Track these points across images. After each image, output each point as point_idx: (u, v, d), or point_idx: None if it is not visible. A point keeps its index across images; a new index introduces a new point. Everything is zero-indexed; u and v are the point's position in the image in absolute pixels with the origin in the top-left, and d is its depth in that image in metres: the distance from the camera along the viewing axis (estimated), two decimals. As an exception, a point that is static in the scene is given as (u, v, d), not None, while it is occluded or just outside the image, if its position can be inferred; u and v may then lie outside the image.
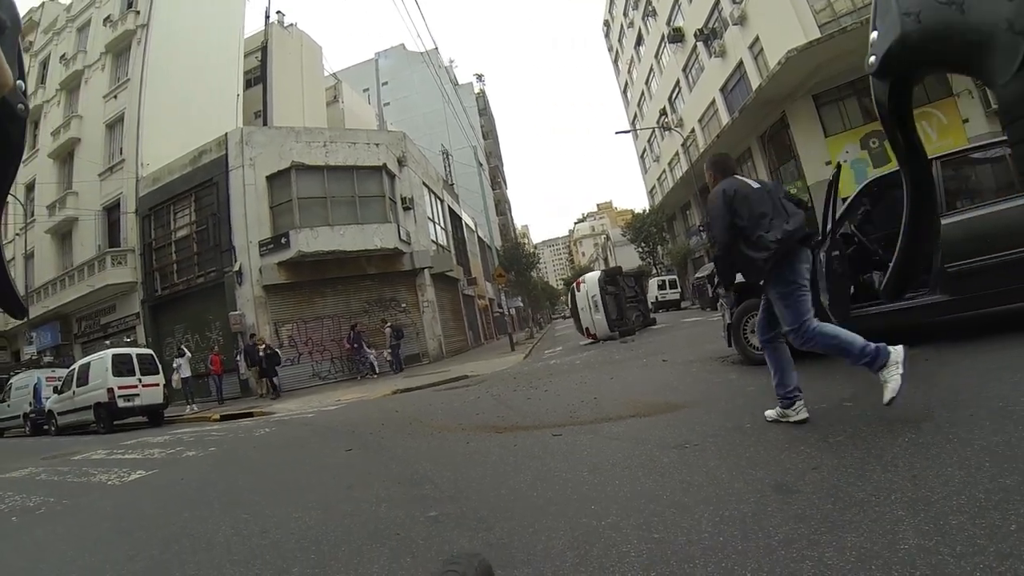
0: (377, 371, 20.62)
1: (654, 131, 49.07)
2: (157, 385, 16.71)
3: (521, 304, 39.11)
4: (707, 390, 6.39)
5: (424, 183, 27.07)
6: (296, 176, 21.29)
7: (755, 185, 4.23)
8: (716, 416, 4.94)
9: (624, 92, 58.87)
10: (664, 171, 49.40)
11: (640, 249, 50.66)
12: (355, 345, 20.44)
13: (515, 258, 46.12)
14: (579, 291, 19.10)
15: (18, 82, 0.48)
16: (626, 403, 6.45)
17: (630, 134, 57.96)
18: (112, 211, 26.81)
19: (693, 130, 38.56)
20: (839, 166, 6.67)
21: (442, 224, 29.71)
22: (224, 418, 14.46)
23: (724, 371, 7.49)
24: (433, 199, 28.95)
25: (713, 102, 35.08)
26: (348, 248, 20.92)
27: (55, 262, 29.20)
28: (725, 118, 32.48)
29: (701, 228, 37.21)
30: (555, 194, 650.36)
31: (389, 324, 20.98)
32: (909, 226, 0.49)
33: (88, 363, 16.93)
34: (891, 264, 0.58)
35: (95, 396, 16.00)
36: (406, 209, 23.66)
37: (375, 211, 22.26)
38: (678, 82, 40.53)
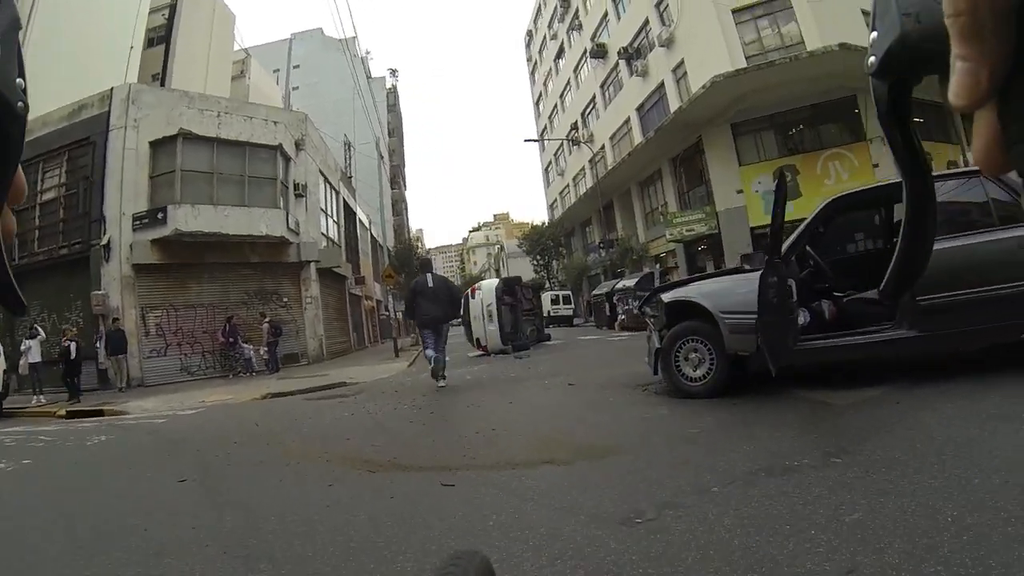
0: (255, 369, 19.09)
1: (563, 144, 49.22)
2: (-10, 371, 14.42)
3: (388, 314, 37.95)
4: (637, 429, 5.47)
5: (321, 171, 25.47)
6: (183, 145, 19.32)
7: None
8: (662, 470, 4.01)
9: (537, 103, 58.74)
10: (568, 185, 49.45)
11: (535, 262, 50.31)
12: (230, 340, 18.81)
13: (406, 260, 44.73)
14: (473, 298, 18.19)
15: (18, 80, 0.45)
16: (535, 440, 5.50)
17: (537, 145, 58.47)
18: (-36, 162, 23.61)
19: (603, 147, 38.62)
20: (783, 175, 6.12)
21: (335, 217, 28.11)
22: (71, 415, 12.54)
23: (651, 404, 6.64)
24: (328, 190, 27.34)
25: (628, 120, 35.19)
26: (231, 231, 19.19)
27: None
28: (638, 137, 32.59)
29: (600, 245, 37.41)
30: (453, 200, 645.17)
31: (268, 319, 19.46)
32: (909, 226, 0.45)
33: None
34: (890, 264, 0.49)
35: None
36: (298, 196, 22.06)
37: (265, 194, 20.61)
38: (594, 98, 40.61)
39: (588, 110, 42.60)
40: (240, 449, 6.55)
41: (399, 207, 63.87)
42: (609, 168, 34.87)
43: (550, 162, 55.99)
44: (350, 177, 35.76)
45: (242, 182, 20.15)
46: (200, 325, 19.78)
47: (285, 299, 21.42)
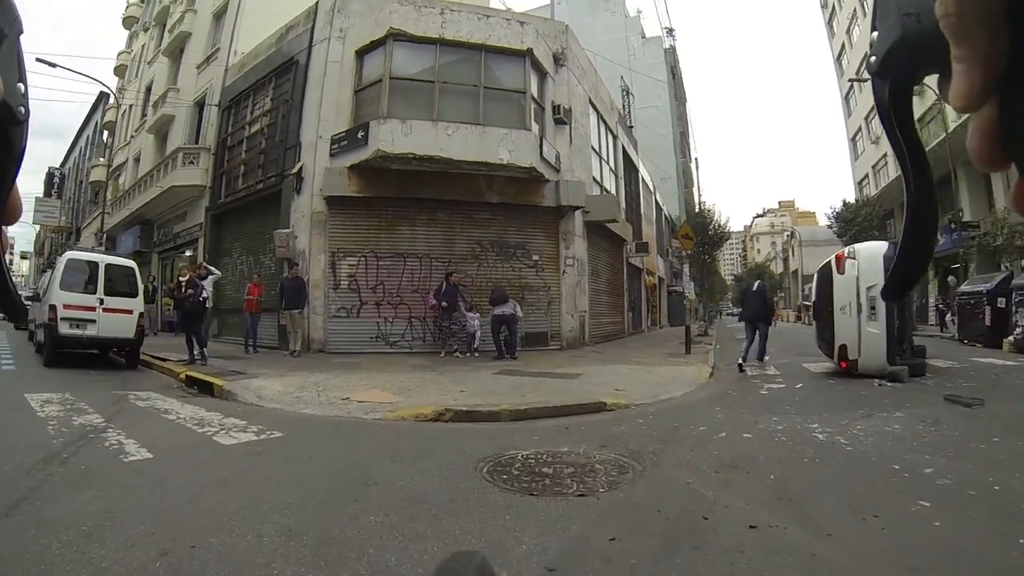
0: (478, 348, 13.27)
1: (874, 107, 37.63)
2: (129, 312, 11.41)
3: (699, 290, 29.68)
4: None
5: (591, 101, 18.96)
6: (393, 48, 13.77)
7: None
8: None
9: (838, 58, 47.34)
10: (885, 155, 38.42)
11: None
12: (444, 304, 12.93)
13: (702, 228, 36.74)
14: (840, 273, 10.09)
15: (18, 84, 0.45)
16: None
17: (842, 111, 47.02)
18: (202, 106, 21.72)
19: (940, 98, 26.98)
20: None
21: (611, 165, 21.55)
22: (189, 381, 9.27)
23: None
24: (602, 128, 20.73)
25: None
26: (457, 156, 13.18)
27: (153, 162, 24.65)
28: None
29: (952, 225, 25.49)
30: (734, 184, 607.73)
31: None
32: (910, 226, 0.48)
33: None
34: (892, 264, 0.51)
35: (41, 315, 11.84)
36: (559, 122, 15.64)
37: (508, 112, 14.32)
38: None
39: None
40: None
41: (688, 179, 55.96)
42: (956, 123, 23.42)
43: (858, 129, 44.53)
44: (631, 127, 29.07)
45: (475, 94, 14.01)
46: (409, 281, 14.21)
47: (536, 257, 15.02)
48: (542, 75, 15.41)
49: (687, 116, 53.81)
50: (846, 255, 10.04)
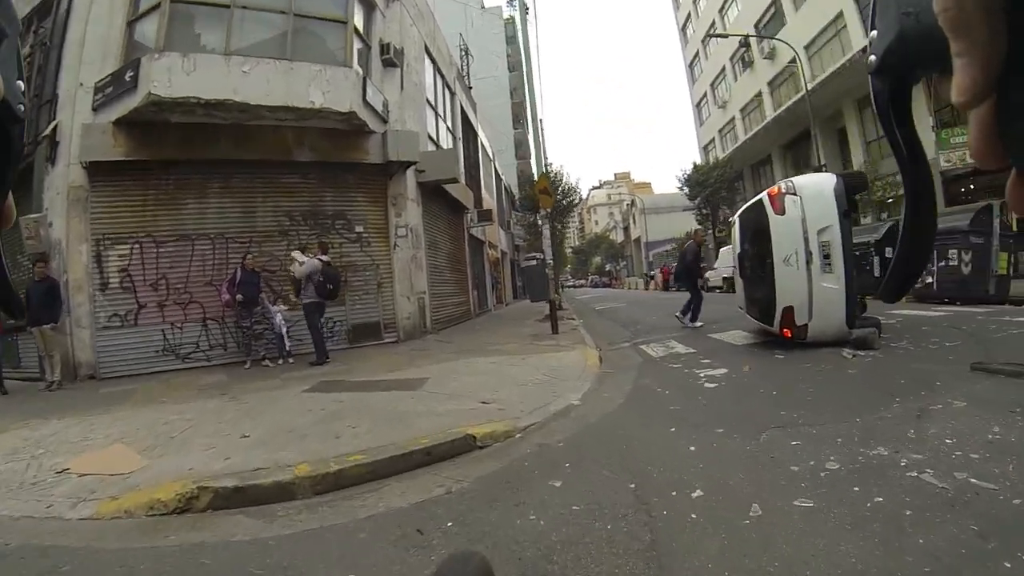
0: (289, 351, 10.32)
1: (724, 69, 39.08)
2: None
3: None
4: None
5: (427, 49, 16.30)
6: None
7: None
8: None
9: (683, 28, 47.72)
10: (732, 119, 38.80)
11: (699, 210, 39.20)
12: (239, 298, 9.74)
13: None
14: (778, 214, 7.84)
15: (18, 82, 0.46)
16: None
17: (687, 79, 47.98)
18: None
19: (795, 59, 27.26)
20: None
21: (449, 125, 18.95)
22: None
23: None
24: (440, 82, 18.13)
25: (839, 17, 24.66)
26: (255, 101, 9.97)
27: None
28: (859, 39, 22.63)
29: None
30: (570, 157, 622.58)
31: (311, 253, 10.11)
32: (909, 226, 0.48)
33: None
34: (890, 264, 0.51)
35: None
36: (388, 64, 12.87)
37: (323, 47, 11.26)
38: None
39: (766, 18, 31.73)
40: None
41: (523, 151, 54.58)
42: (813, 83, 23.64)
43: (703, 95, 45.20)
44: (470, 88, 26.60)
45: (283, 23, 10.81)
46: (200, 271, 10.86)
47: (360, 229, 12.19)
48: (369, 6, 12.53)
49: (530, 84, 52.68)
50: (783, 191, 7.85)
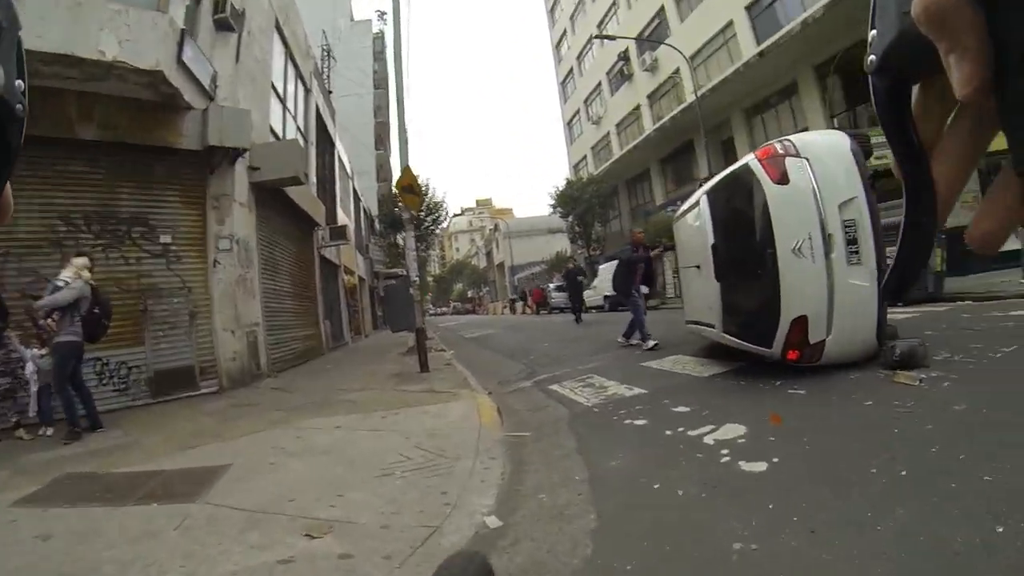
0: (45, 411, 6.81)
1: (599, 85, 38.16)
2: None
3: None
4: None
5: (278, 26, 13.31)
6: None
7: None
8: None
9: (557, 46, 47.27)
10: (607, 135, 37.77)
11: (572, 229, 37.67)
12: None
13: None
14: (780, 182, 5.38)
15: (17, 82, 0.44)
16: None
17: (559, 97, 48.37)
18: None
19: (677, 71, 27.10)
20: None
21: (300, 125, 15.82)
22: None
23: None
24: (292, 71, 15.05)
25: (730, 26, 23.96)
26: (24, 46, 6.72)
27: None
28: (749, 47, 21.93)
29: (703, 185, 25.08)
30: (433, 174, 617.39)
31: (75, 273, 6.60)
32: (909, 226, 0.49)
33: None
34: (891, 264, 0.52)
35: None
36: (222, 26, 9.76)
37: (128, -15, 8.22)
38: (661, 10, 29.15)
39: (648, 30, 30.64)
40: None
41: (385, 173, 51.63)
42: (703, 89, 22.35)
43: (576, 112, 44.15)
44: (330, 92, 23.52)
45: None
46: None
47: (165, 238, 8.85)
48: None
49: (389, 108, 50.60)
50: (780, 151, 5.47)
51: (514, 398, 6.75)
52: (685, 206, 8.50)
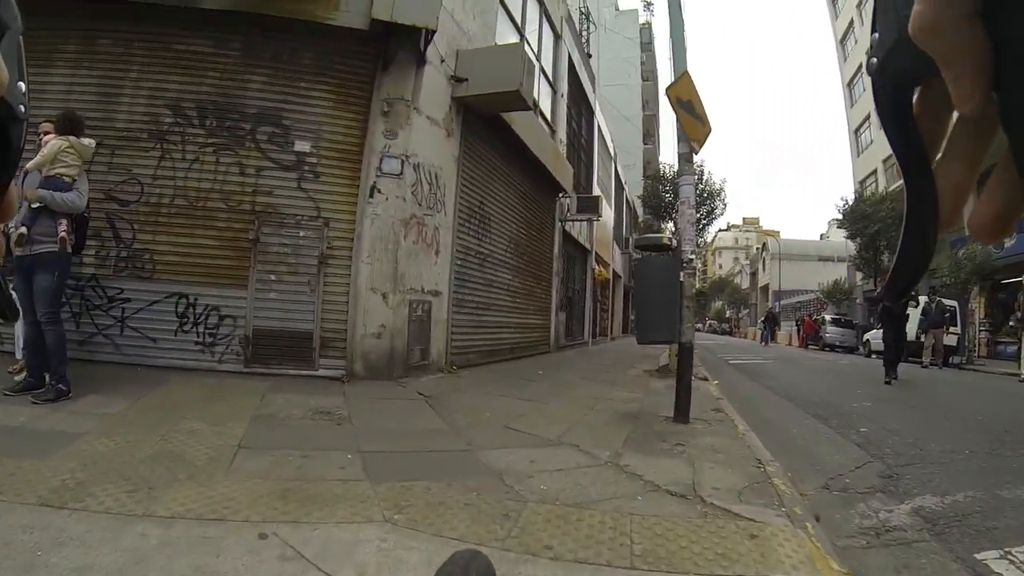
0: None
1: None
2: None
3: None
4: None
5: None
6: None
7: None
8: None
9: (842, 41, 40.88)
10: None
11: (858, 252, 31.16)
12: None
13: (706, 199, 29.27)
14: None
15: (19, 83, 0.43)
16: None
17: (845, 98, 41.63)
18: None
19: None
20: None
21: (546, 67, 12.77)
22: None
23: None
24: (535, 6, 12.20)
25: None
26: None
27: None
28: None
29: None
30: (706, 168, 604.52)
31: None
32: (910, 228, 0.47)
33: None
34: (891, 266, 0.51)
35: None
36: None
37: None
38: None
39: None
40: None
41: (651, 168, 48.25)
42: None
43: (866, 117, 37.19)
44: (588, 55, 20.54)
45: None
46: None
47: (302, 145, 6.21)
48: None
49: (658, 101, 48.12)
50: None
51: (886, 556, 2.72)
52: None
